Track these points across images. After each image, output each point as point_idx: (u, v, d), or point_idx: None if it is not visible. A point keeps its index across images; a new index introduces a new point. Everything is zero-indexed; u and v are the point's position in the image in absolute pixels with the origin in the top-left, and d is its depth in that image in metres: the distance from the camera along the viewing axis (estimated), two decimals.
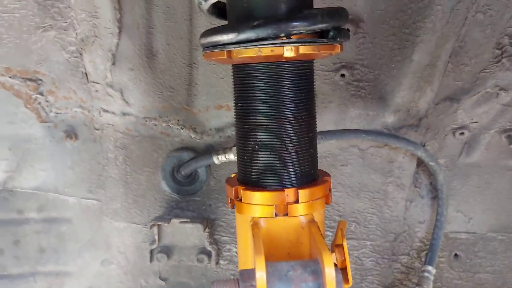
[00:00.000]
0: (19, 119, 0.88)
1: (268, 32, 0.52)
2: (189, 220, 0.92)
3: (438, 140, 0.93)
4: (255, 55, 0.53)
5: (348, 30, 0.80)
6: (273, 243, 0.59)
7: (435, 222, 0.97)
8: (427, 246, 0.99)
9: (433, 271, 0.95)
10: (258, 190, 0.59)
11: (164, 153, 0.94)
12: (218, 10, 0.63)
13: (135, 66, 0.82)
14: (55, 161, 0.93)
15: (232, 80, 0.62)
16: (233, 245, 1.01)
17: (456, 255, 1.04)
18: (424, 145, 0.93)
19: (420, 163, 0.96)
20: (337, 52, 0.58)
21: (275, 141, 0.59)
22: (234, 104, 0.62)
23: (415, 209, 1.01)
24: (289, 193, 0.58)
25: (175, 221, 0.92)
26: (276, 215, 0.58)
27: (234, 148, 0.87)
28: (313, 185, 0.60)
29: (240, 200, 0.60)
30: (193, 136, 0.93)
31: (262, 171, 0.60)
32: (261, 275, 0.47)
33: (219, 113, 0.91)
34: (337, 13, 0.55)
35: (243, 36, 0.53)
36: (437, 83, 0.82)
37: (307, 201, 0.59)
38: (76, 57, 0.80)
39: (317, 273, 0.50)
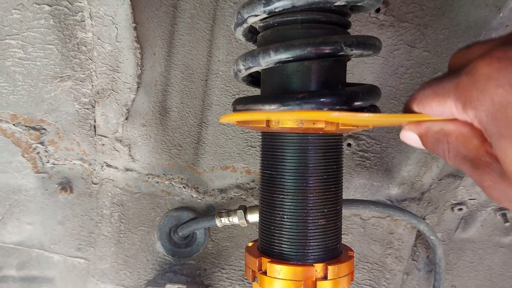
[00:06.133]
0: (12, 168, 0.82)
1: (312, 105, 0.52)
2: (185, 286, 0.87)
3: (437, 214, 0.94)
4: (296, 126, 0.53)
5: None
6: None
7: None
8: None
9: None
10: (285, 264, 0.57)
11: (162, 212, 0.91)
12: (251, 79, 0.63)
13: (147, 122, 0.80)
14: (44, 215, 0.87)
15: (261, 147, 0.62)
16: None
17: None
18: (424, 218, 0.94)
19: (418, 236, 0.97)
20: (368, 128, 0.59)
21: (304, 213, 0.57)
22: (260, 172, 0.61)
23: (412, 282, 1.00)
24: (318, 268, 0.56)
25: (170, 286, 0.86)
26: None
27: (240, 212, 0.84)
28: (341, 261, 0.58)
29: (265, 273, 0.58)
30: (194, 195, 0.90)
31: (289, 243, 0.58)
32: None
33: (224, 173, 0.89)
34: (374, 91, 0.57)
35: (286, 107, 0.53)
36: (443, 160, 0.84)
37: (335, 278, 0.57)
38: (87, 109, 0.78)
39: None
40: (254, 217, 0.84)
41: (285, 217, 0.58)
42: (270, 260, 0.57)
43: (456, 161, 0.44)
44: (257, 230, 0.94)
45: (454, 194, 0.91)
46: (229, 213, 0.86)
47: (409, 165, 0.85)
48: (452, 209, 0.94)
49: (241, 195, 0.91)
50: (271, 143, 0.59)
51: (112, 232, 0.89)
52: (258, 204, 0.87)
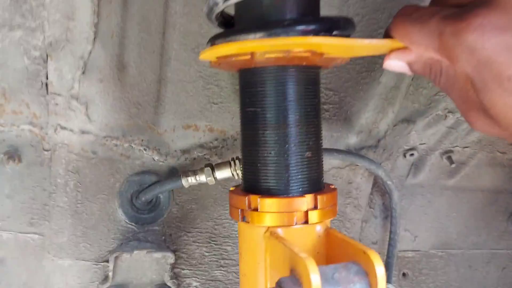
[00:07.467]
0: None
1: (298, 32, 0.52)
2: (154, 250, 0.83)
3: (391, 161, 0.99)
4: (284, 55, 0.53)
5: None
6: None
7: (389, 241, 1.02)
8: None
9: None
10: (276, 197, 0.56)
11: (122, 178, 0.86)
12: (222, 20, 0.61)
13: (105, 77, 0.75)
14: None
15: (240, 85, 0.61)
16: (193, 278, 0.94)
17: (404, 274, 1.09)
18: None
19: (373, 184, 1.01)
20: (346, 61, 0.60)
21: (292, 147, 0.57)
22: (243, 111, 0.60)
23: (369, 230, 1.05)
24: (308, 199, 0.57)
25: (139, 252, 0.82)
26: (295, 223, 0.56)
27: (207, 169, 0.82)
28: (327, 192, 0.59)
29: (256, 209, 0.57)
30: (156, 158, 0.86)
31: (277, 178, 0.57)
32: (316, 278, 0.44)
33: (186, 133, 0.87)
34: (352, 22, 0.58)
35: (273, 35, 0.52)
36: (398, 105, 0.88)
37: (324, 208, 0.58)
38: (38, 64, 0.71)
39: (361, 274, 0.48)
40: (222, 174, 0.83)
41: (272, 152, 0.57)
42: (260, 196, 0.57)
43: (446, 85, 0.47)
44: (223, 190, 0.93)
45: (407, 139, 0.96)
46: (195, 172, 0.84)
47: (367, 112, 0.89)
48: (404, 155, 0.99)
49: (204, 154, 0.88)
50: (252, 79, 0.58)
51: (68, 203, 0.83)
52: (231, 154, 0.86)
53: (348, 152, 0.89)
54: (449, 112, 0.92)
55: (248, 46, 0.52)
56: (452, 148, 1.00)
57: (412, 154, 0.99)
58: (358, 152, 0.94)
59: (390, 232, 1.02)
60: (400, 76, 0.84)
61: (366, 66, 0.85)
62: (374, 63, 0.84)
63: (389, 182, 0.96)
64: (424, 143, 0.97)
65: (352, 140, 0.93)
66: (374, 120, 0.90)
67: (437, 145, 0.98)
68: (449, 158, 1.01)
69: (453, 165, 1.00)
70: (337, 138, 0.92)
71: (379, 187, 1.02)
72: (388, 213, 1.04)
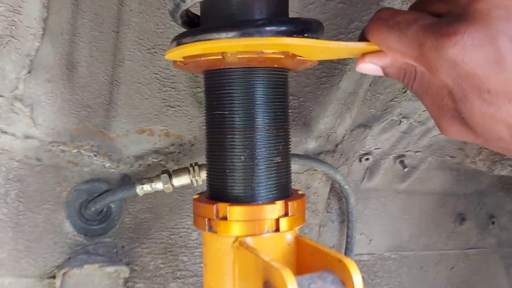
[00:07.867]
0: None
1: (272, 33, 0.50)
2: (106, 264, 0.78)
3: (347, 166, 1.00)
4: (257, 56, 0.50)
5: None
6: None
7: (346, 245, 1.02)
8: None
9: None
10: (246, 205, 0.54)
11: (70, 186, 0.80)
12: (187, 19, 0.58)
13: (53, 77, 0.68)
14: None
15: (206, 87, 0.57)
16: None
17: None
18: None
19: (330, 188, 1.01)
20: (315, 64, 0.59)
21: (261, 152, 0.55)
22: (209, 115, 0.57)
23: (326, 234, 1.05)
24: (279, 206, 0.54)
25: (89, 267, 0.76)
26: (266, 231, 0.54)
27: (164, 176, 0.78)
28: (296, 198, 0.58)
29: (225, 218, 0.54)
30: (107, 165, 0.81)
31: (247, 185, 0.55)
32: None
33: (140, 138, 0.82)
34: (322, 25, 0.57)
35: (246, 34, 0.49)
36: (356, 110, 0.89)
37: (294, 214, 0.56)
38: None
39: (337, 283, 0.47)
40: (180, 181, 0.79)
41: (241, 157, 0.55)
42: (229, 204, 0.54)
43: (419, 90, 0.47)
44: (179, 197, 0.89)
45: (363, 144, 0.97)
46: (151, 179, 0.79)
47: (326, 117, 0.88)
48: (360, 159, 1.00)
49: (160, 160, 0.84)
50: (220, 81, 0.55)
51: (8, 214, 0.76)
52: (186, 164, 0.82)
53: (308, 157, 0.89)
54: (403, 117, 0.94)
55: (222, 46, 0.50)
56: (405, 153, 1.02)
57: (367, 159, 1.00)
58: (316, 157, 0.94)
59: (347, 236, 1.03)
60: (358, 81, 0.85)
61: (325, 71, 0.85)
62: (334, 68, 0.84)
63: (346, 187, 0.96)
64: (378, 148, 0.99)
65: (311, 145, 0.92)
66: (332, 125, 0.90)
67: (391, 149, 1.00)
68: (402, 163, 1.03)
69: (406, 169, 1.03)
70: (297, 143, 0.92)
71: (335, 192, 1.03)
72: (344, 217, 1.05)
